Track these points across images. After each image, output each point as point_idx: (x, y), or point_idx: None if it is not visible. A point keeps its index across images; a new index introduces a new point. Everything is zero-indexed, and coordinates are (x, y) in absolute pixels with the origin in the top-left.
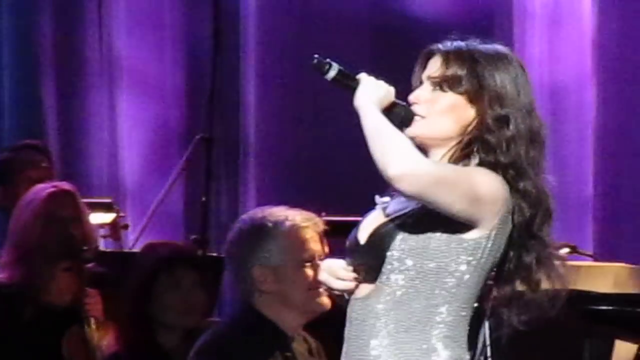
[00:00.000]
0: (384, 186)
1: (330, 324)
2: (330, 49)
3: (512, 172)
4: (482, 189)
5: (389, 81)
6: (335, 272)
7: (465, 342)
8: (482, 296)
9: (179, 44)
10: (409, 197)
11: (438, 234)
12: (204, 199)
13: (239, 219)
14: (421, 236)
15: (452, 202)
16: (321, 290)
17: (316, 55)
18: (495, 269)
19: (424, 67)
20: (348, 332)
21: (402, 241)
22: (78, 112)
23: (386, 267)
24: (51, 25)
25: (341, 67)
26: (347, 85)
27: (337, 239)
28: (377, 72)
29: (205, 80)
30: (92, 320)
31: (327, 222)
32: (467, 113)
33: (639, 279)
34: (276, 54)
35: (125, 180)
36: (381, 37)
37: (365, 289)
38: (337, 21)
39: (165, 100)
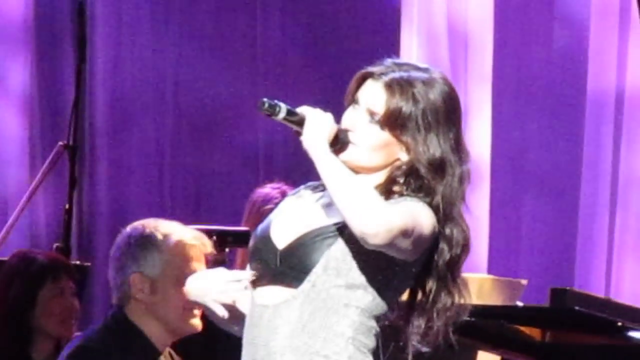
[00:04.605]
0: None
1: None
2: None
3: (441, 216)
4: (427, 232)
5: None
6: (221, 287)
7: (369, 353)
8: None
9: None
10: (373, 248)
11: (364, 257)
12: (67, 206)
13: (131, 226)
14: (347, 257)
15: (407, 248)
16: (195, 311)
17: (265, 99)
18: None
19: (358, 86)
20: (254, 337)
21: (328, 258)
22: None
23: (305, 278)
24: None
25: (288, 106)
26: (295, 122)
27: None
28: None
29: (62, 89)
30: None
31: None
32: (402, 152)
33: (503, 290)
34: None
35: None
36: None
37: (276, 295)
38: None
39: (23, 108)
